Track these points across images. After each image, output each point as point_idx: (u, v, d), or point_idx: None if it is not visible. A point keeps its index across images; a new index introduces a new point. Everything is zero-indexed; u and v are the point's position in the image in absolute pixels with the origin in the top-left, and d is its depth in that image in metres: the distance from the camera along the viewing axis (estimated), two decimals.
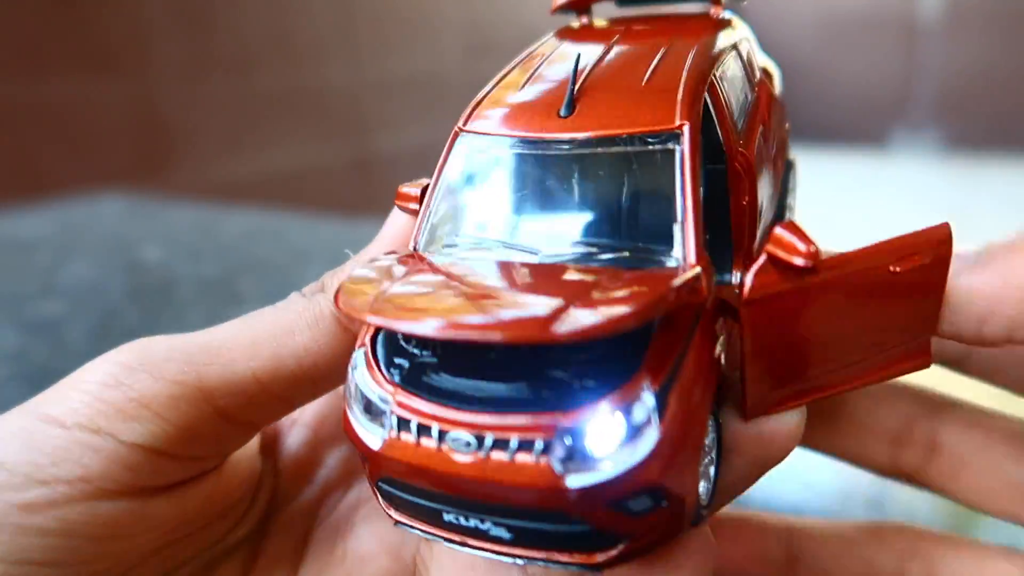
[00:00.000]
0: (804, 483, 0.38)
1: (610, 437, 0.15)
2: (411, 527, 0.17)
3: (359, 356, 0.18)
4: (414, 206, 0.20)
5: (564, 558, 0.16)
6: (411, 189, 0.20)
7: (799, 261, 0.16)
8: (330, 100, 2.16)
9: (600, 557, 0.16)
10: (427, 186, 0.20)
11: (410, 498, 0.17)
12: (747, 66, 0.22)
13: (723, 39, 0.21)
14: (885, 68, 4.64)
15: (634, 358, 0.15)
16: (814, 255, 0.16)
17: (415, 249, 0.19)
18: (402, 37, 2.42)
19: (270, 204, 1.92)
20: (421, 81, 2.53)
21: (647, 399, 0.15)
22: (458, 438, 0.15)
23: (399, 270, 0.17)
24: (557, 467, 0.15)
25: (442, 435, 0.15)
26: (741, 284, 0.16)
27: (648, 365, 0.15)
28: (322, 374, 0.19)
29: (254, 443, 0.23)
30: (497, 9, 2.91)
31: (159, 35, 1.66)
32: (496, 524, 0.16)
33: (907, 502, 0.37)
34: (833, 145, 4.84)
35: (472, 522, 0.16)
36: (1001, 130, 4.46)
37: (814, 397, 0.19)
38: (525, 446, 0.15)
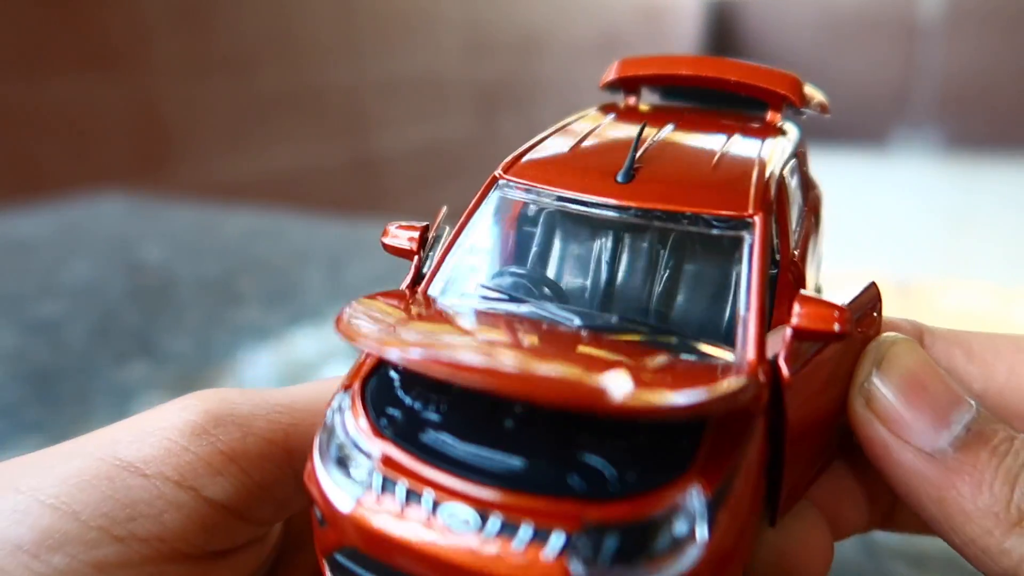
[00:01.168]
0: None
1: (645, 546, 0.12)
2: None
3: (343, 398, 0.15)
4: (408, 244, 0.18)
5: None
6: (404, 232, 0.18)
7: (837, 328, 0.14)
8: (330, 100, 2.16)
9: None
10: (426, 227, 0.18)
11: None
12: (803, 175, 0.21)
13: (786, 142, 0.20)
14: (885, 68, 4.64)
15: (682, 457, 0.13)
16: (849, 318, 0.14)
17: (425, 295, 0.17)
18: (402, 37, 2.42)
19: (270, 204, 1.92)
20: (421, 81, 2.53)
21: (696, 506, 0.12)
22: (455, 513, 0.13)
23: (417, 308, 0.16)
24: (576, 570, 0.12)
25: (435, 506, 0.13)
26: (773, 370, 0.15)
27: (700, 467, 0.13)
28: None
29: None
30: (497, 9, 2.91)
31: (159, 35, 1.66)
32: None
33: None
34: (833, 145, 4.84)
35: None
36: (1001, 130, 4.46)
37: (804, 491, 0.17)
38: (539, 537, 0.12)
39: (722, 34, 5.22)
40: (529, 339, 0.14)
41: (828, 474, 0.19)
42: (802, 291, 0.15)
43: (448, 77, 2.68)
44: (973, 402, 0.16)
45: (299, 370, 0.51)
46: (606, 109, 0.21)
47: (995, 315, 0.63)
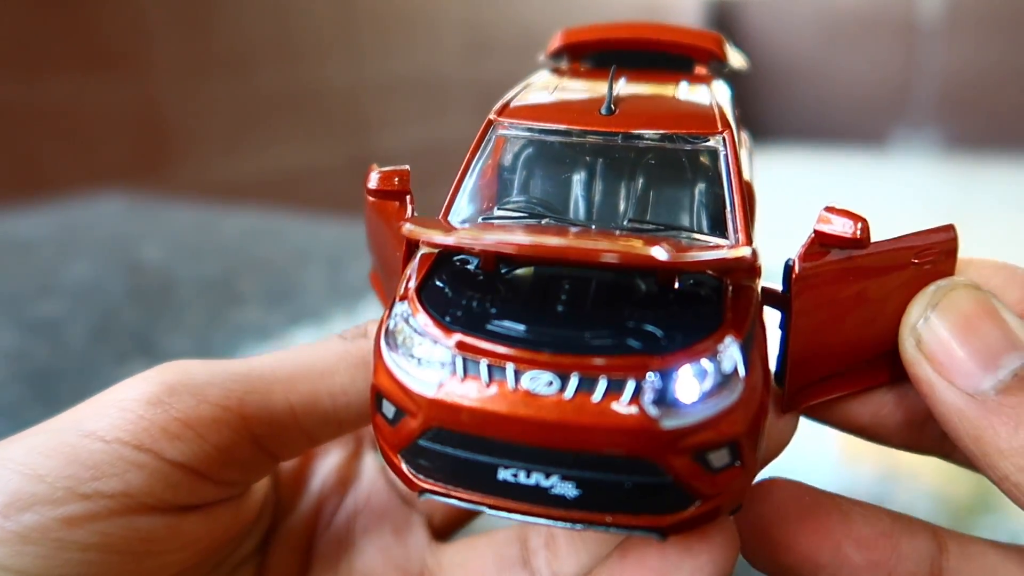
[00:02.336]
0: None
1: (701, 383, 0.14)
2: (444, 495, 0.16)
3: (402, 306, 0.16)
4: (399, 184, 0.20)
5: (631, 521, 0.15)
6: (392, 175, 0.19)
7: (850, 231, 0.16)
8: (330, 100, 2.16)
9: (669, 520, 0.15)
10: (407, 171, 0.20)
11: (460, 454, 0.15)
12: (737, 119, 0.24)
13: (724, 87, 0.23)
14: (885, 68, 4.64)
15: (711, 320, 0.15)
16: (866, 228, 0.16)
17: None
18: (402, 37, 2.43)
19: (270, 204, 1.92)
20: (421, 81, 2.54)
21: (734, 350, 0.15)
22: (538, 377, 0.14)
23: (458, 223, 0.18)
24: (650, 409, 0.14)
25: (518, 375, 0.14)
26: (790, 265, 0.17)
27: (728, 322, 0.15)
28: (351, 416, 0.20)
29: None
30: (497, 9, 2.91)
31: (159, 35, 1.66)
32: (564, 479, 0.14)
33: (907, 502, 0.37)
34: (833, 145, 4.84)
35: (534, 478, 0.15)
36: (1001, 130, 4.46)
37: (842, 393, 0.19)
38: (615, 387, 0.14)
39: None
40: (568, 233, 0.17)
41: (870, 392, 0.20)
42: (828, 205, 0.17)
43: (448, 77, 2.68)
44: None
45: None
46: (559, 72, 0.24)
47: None
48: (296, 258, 0.79)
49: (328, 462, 0.24)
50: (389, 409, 0.16)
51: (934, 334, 0.16)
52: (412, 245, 0.19)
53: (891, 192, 3.76)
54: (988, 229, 2.99)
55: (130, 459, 0.17)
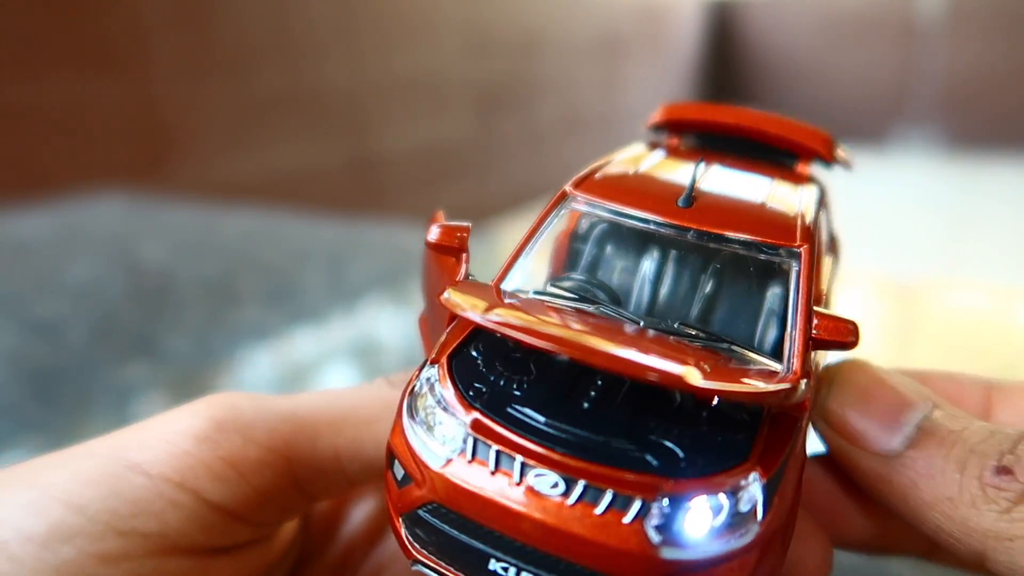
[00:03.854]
0: None
1: (713, 518, 0.14)
2: (435, 570, 0.15)
3: (431, 371, 0.16)
4: (459, 243, 0.19)
5: None
6: (453, 231, 0.18)
7: (852, 339, 0.16)
8: (330, 100, 2.16)
9: None
10: (468, 228, 0.19)
11: (454, 534, 0.15)
12: (828, 223, 0.23)
13: (817, 191, 0.21)
14: (884, 67, 4.64)
15: (741, 448, 0.14)
16: (858, 331, 0.16)
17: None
18: (402, 37, 2.42)
19: (270, 204, 1.92)
20: (421, 81, 2.54)
21: (756, 488, 0.14)
22: (544, 476, 0.14)
23: (505, 293, 0.17)
24: (652, 535, 0.13)
25: (524, 469, 0.14)
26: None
27: (758, 456, 0.14)
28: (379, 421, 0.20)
29: None
30: (497, 9, 2.91)
31: (159, 35, 1.66)
32: None
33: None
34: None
35: None
36: (1000, 130, 4.46)
37: None
38: (620, 503, 0.13)
39: (722, 34, 5.22)
40: (607, 329, 0.16)
41: (824, 488, 0.20)
42: (816, 308, 0.17)
43: (448, 77, 2.68)
44: (928, 402, 0.17)
45: (299, 370, 0.51)
46: (654, 145, 0.23)
47: (995, 315, 0.63)
48: (296, 258, 0.79)
49: (361, 509, 0.24)
50: (399, 471, 0.16)
51: (837, 411, 0.17)
52: None
53: (891, 192, 3.76)
54: (988, 229, 2.99)
55: (170, 498, 0.17)
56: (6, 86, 1.38)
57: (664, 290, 0.18)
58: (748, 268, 0.18)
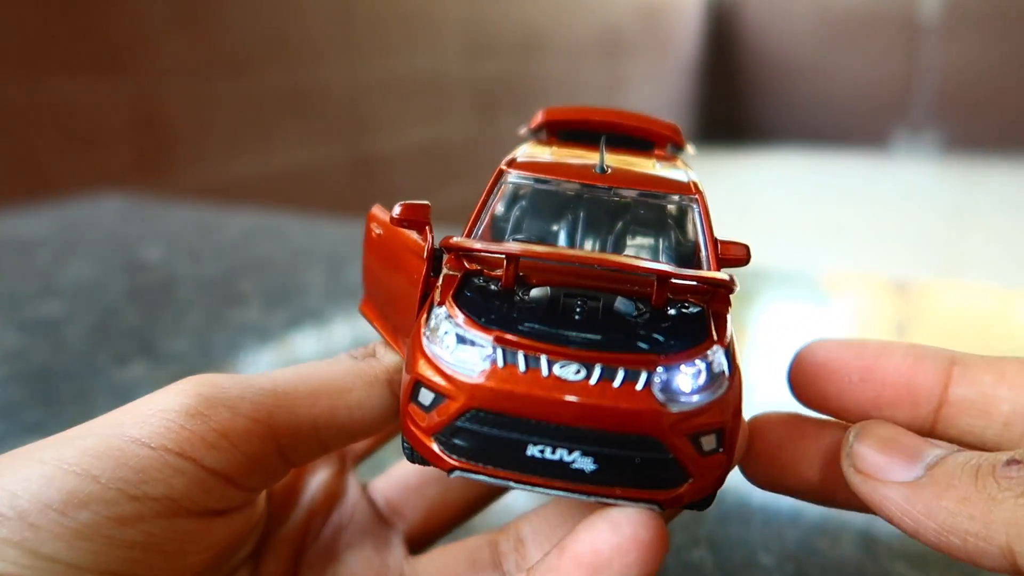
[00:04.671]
0: None
1: (698, 379, 0.18)
2: (473, 472, 0.18)
3: (442, 308, 0.19)
4: (423, 217, 0.22)
5: (636, 494, 0.18)
6: (415, 208, 0.22)
7: (745, 257, 0.22)
8: (330, 100, 2.16)
9: (666, 495, 0.18)
10: (428, 205, 0.22)
11: (494, 432, 0.18)
12: None
13: (688, 168, 0.26)
14: (886, 69, 4.64)
15: (702, 331, 0.19)
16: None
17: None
18: (402, 37, 2.43)
19: (270, 204, 1.92)
20: (421, 81, 2.54)
21: (721, 355, 0.18)
22: (568, 366, 0.17)
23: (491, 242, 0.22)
24: (659, 395, 0.17)
25: (551, 363, 0.17)
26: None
27: (714, 336, 0.19)
28: (363, 428, 0.22)
29: None
30: (497, 9, 2.91)
31: (160, 35, 1.66)
32: (584, 454, 0.17)
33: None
34: (833, 146, 4.84)
35: (558, 454, 0.17)
36: (1001, 132, 4.46)
37: None
38: (631, 376, 0.17)
39: (722, 34, 5.23)
40: (591, 253, 0.21)
41: (774, 440, 0.23)
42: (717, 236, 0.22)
43: (448, 77, 2.68)
44: (944, 447, 0.19)
45: None
46: (541, 143, 0.28)
47: (995, 315, 0.63)
48: (296, 258, 0.79)
49: (317, 479, 0.26)
50: (427, 397, 0.19)
51: (863, 454, 0.19)
52: (429, 271, 0.22)
53: (892, 193, 3.76)
54: (988, 230, 2.99)
55: (174, 465, 0.18)
56: (7, 86, 1.38)
57: (586, 239, 0.23)
58: (652, 218, 0.23)
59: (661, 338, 0.18)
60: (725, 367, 0.18)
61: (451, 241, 0.20)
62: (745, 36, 5.04)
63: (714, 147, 5.23)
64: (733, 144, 5.20)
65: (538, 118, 0.28)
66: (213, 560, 0.21)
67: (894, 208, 3.40)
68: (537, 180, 0.23)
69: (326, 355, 0.25)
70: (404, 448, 0.21)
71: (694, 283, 0.20)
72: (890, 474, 0.18)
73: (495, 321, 0.19)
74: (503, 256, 0.19)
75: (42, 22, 1.43)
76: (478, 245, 0.19)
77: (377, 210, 0.25)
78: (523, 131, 0.29)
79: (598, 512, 0.19)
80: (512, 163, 0.23)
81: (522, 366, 0.17)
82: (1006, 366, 0.20)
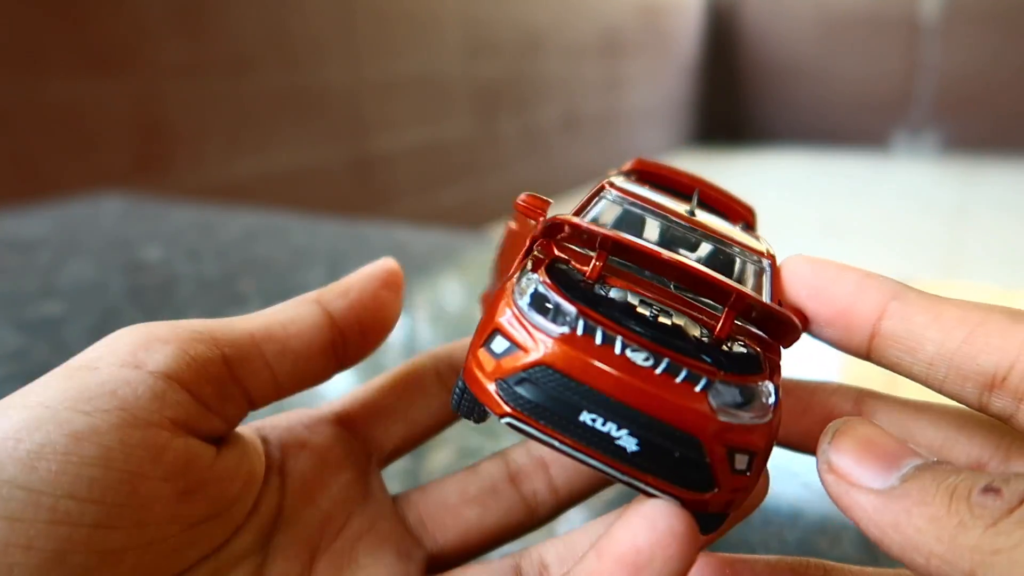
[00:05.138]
0: (803, 483, 0.38)
1: (750, 400, 0.19)
2: (524, 423, 0.19)
3: (533, 275, 0.20)
4: (544, 208, 0.24)
5: (665, 487, 0.19)
6: (537, 201, 0.24)
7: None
8: (330, 100, 2.16)
9: (692, 496, 0.19)
10: (549, 201, 0.24)
11: (556, 391, 0.19)
12: None
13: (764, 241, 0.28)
14: (886, 69, 4.64)
15: (757, 367, 0.20)
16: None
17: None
18: (402, 37, 2.43)
19: (270, 204, 1.92)
20: (421, 81, 2.54)
21: (772, 389, 0.20)
22: (639, 351, 0.19)
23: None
24: (712, 401, 0.18)
25: (624, 345, 0.19)
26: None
27: (769, 373, 0.20)
28: (300, 343, 0.23)
29: (255, 442, 0.24)
30: (498, 8, 2.91)
31: (159, 35, 1.66)
32: (631, 434, 0.18)
33: None
34: (834, 146, 4.84)
35: (608, 427, 0.18)
36: (1001, 131, 4.46)
37: None
38: (692, 377, 0.18)
39: (722, 34, 5.23)
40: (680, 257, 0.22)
41: None
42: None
43: (448, 77, 2.68)
44: (923, 456, 0.18)
45: None
46: (634, 177, 0.29)
47: None
48: (296, 258, 0.79)
49: (338, 480, 0.25)
50: (501, 344, 0.20)
51: (839, 454, 0.19)
52: (534, 241, 0.23)
53: (892, 193, 3.76)
54: (988, 230, 2.99)
55: (119, 377, 0.19)
56: (7, 86, 1.38)
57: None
58: (727, 268, 0.24)
59: (722, 359, 0.20)
60: (773, 401, 0.20)
61: (560, 217, 0.21)
62: (745, 36, 5.04)
63: (714, 147, 5.23)
64: (733, 144, 5.20)
65: (629, 164, 0.30)
66: (187, 520, 0.20)
67: (894, 208, 3.40)
68: (633, 204, 0.24)
69: None
70: (454, 395, 0.22)
71: (764, 315, 0.21)
72: (863, 479, 0.18)
73: (580, 298, 0.20)
74: (607, 239, 0.20)
75: (42, 22, 1.43)
76: (587, 223, 0.20)
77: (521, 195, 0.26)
78: (612, 172, 0.30)
79: (629, 511, 0.19)
80: (613, 184, 0.25)
81: (599, 339, 0.19)
82: (943, 308, 0.20)
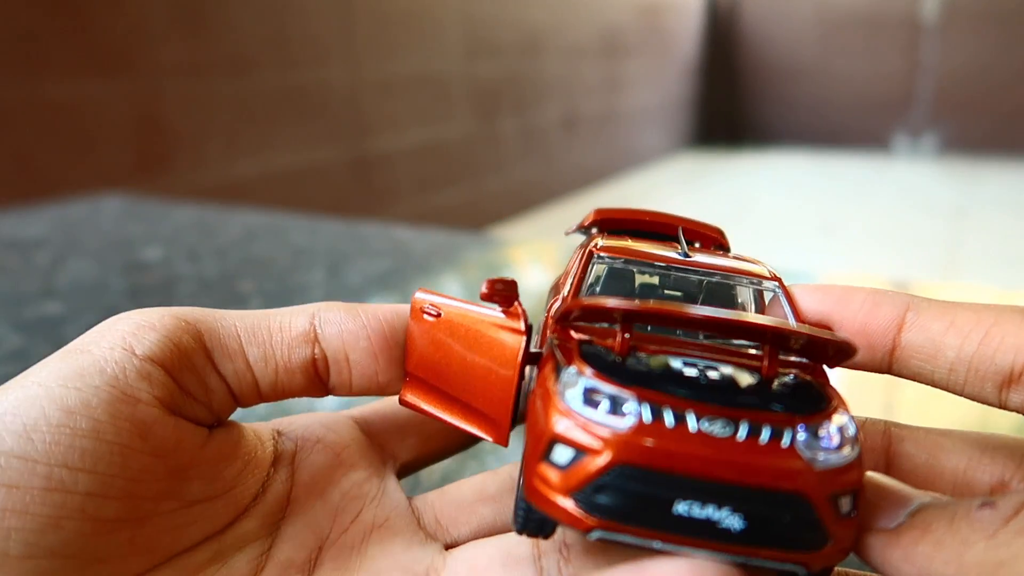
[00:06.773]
0: None
1: (837, 438, 0.18)
2: (616, 531, 0.18)
3: (572, 370, 0.19)
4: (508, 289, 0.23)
5: (783, 556, 0.17)
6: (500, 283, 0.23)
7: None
8: (330, 100, 2.16)
9: (811, 558, 0.18)
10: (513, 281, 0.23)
11: (641, 489, 0.17)
12: None
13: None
14: (886, 69, 4.64)
15: (820, 399, 0.19)
16: None
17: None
18: (402, 37, 2.43)
19: (270, 204, 1.92)
20: (421, 81, 2.54)
21: (848, 418, 0.19)
22: (715, 421, 0.17)
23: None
24: (804, 452, 0.17)
25: (698, 419, 0.17)
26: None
27: (838, 401, 0.19)
28: (283, 351, 0.23)
29: (260, 430, 0.25)
30: (498, 8, 2.91)
31: (159, 35, 1.66)
32: (733, 512, 0.17)
33: None
34: (834, 147, 4.84)
35: (707, 511, 0.17)
36: (1001, 132, 4.46)
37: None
38: (776, 434, 0.18)
39: (722, 33, 5.22)
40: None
41: None
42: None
43: (448, 77, 2.68)
44: (929, 495, 0.19)
45: None
46: (610, 237, 0.28)
47: None
48: (296, 258, 0.79)
49: (350, 477, 0.25)
50: (564, 454, 0.18)
51: None
52: (528, 344, 0.22)
53: (892, 193, 3.76)
54: (988, 231, 2.99)
55: (109, 358, 0.20)
56: (8, 86, 1.38)
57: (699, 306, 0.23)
58: (735, 300, 0.24)
59: (790, 402, 0.19)
60: (854, 431, 0.18)
61: (594, 299, 0.19)
62: (745, 36, 5.04)
63: (714, 147, 5.23)
64: (733, 144, 5.20)
65: (589, 217, 0.28)
66: (184, 498, 0.21)
67: (894, 209, 3.40)
68: (627, 262, 0.24)
69: None
70: (518, 516, 0.20)
71: (810, 343, 0.19)
72: (873, 521, 0.19)
73: (629, 379, 0.18)
74: (631, 313, 0.19)
75: (42, 22, 1.43)
76: (611, 303, 0.18)
77: (423, 294, 0.24)
78: (571, 230, 0.30)
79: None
80: (600, 248, 0.24)
81: (670, 421, 0.17)
82: (957, 313, 0.20)
